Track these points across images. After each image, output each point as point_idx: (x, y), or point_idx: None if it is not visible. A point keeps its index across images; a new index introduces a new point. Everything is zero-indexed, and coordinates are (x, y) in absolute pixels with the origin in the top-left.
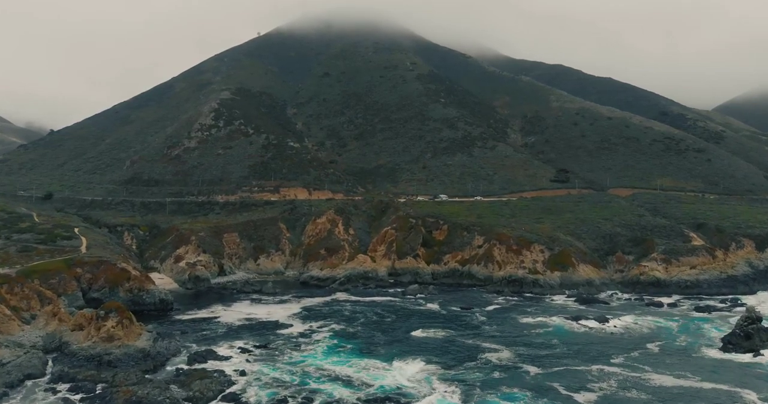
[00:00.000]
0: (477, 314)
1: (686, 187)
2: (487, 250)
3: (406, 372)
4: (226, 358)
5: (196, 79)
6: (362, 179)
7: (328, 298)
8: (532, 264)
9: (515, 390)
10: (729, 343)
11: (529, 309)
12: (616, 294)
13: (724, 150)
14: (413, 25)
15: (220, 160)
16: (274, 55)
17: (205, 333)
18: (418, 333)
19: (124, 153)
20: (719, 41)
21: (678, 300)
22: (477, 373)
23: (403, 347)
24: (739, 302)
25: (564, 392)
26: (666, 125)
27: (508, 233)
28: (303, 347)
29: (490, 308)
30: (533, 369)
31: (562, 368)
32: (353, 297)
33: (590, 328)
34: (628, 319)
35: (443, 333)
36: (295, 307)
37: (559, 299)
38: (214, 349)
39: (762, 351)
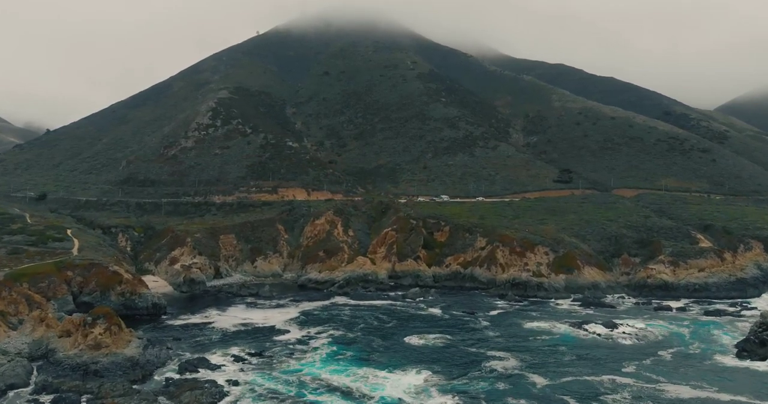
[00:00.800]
0: (480, 319)
1: (691, 188)
2: (489, 252)
3: (408, 382)
4: (219, 367)
5: (194, 78)
6: (362, 179)
7: (326, 302)
8: (536, 267)
9: (522, 402)
10: (743, 350)
11: (533, 314)
12: (623, 297)
13: (728, 150)
14: (413, 25)
15: (218, 160)
16: (273, 54)
17: (198, 339)
18: (419, 339)
19: (121, 153)
20: (721, 41)
21: (687, 304)
22: (481, 383)
23: (404, 354)
24: (748, 305)
25: None
26: (670, 125)
27: (512, 235)
28: (300, 355)
29: (494, 312)
30: (540, 380)
31: (571, 378)
32: (352, 301)
33: (598, 334)
34: (637, 325)
35: (445, 340)
36: (292, 312)
37: (565, 303)
38: (207, 357)
39: None
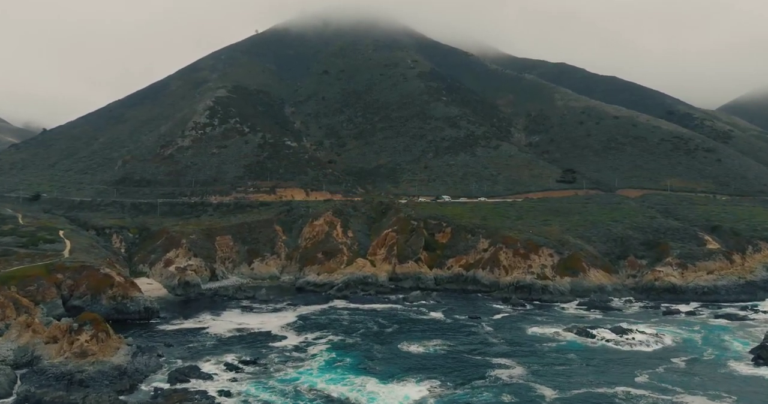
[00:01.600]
0: (484, 324)
1: (696, 188)
2: (492, 254)
3: (408, 392)
4: (211, 376)
5: (192, 77)
6: (362, 179)
7: (325, 306)
8: (540, 269)
9: None
10: (759, 357)
11: (539, 318)
12: (630, 300)
13: (733, 150)
14: (414, 23)
15: (215, 160)
16: (272, 53)
17: (190, 345)
18: (420, 346)
19: (117, 152)
20: (723, 40)
21: (696, 307)
22: (485, 393)
23: (405, 362)
24: (758, 309)
25: None
26: (674, 124)
27: (515, 236)
28: (297, 362)
29: (497, 316)
30: (549, 392)
31: (582, 390)
32: (352, 305)
33: (607, 341)
34: (647, 330)
35: (448, 346)
36: (289, 316)
37: (570, 306)
38: (199, 365)
39: None
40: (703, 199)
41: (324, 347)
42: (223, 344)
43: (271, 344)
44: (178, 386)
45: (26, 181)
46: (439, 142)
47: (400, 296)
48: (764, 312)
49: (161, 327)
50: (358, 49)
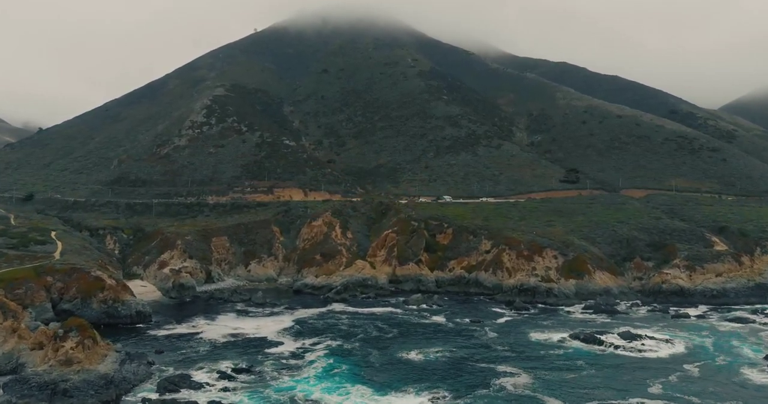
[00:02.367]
0: (487, 329)
1: (701, 188)
2: (495, 256)
3: (409, 402)
4: (203, 386)
5: (189, 76)
6: (361, 179)
7: (323, 309)
8: (544, 272)
9: None
10: None
11: (544, 323)
12: (637, 304)
13: (737, 149)
14: (414, 22)
15: (211, 159)
16: (271, 51)
17: (183, 352)
18: (421, 352)
19: (113, 152)
20: (725, 40)
21: (705, 311)
22: None
23: (405, 370)
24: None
25: None
26: (677, 124)
27: (518, 237)
28: (293, 370)
29: (501, 321)
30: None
31: (593, 403)
32: (351, 308)
33: (616, 347)
34: (656, 335)
35: (449, 353)
36: (286, 320)
37: (576, 310)
38: (191, 373)
39: None
40: (709, 199)
41: (322, 353)
42: (216, 350)
43: (266, 350)
44: (168, 396)
45: (20, 180)
46: (439, 141)
47: (401, 299)
48: None
49: (153, 333)
50: (358, 48)
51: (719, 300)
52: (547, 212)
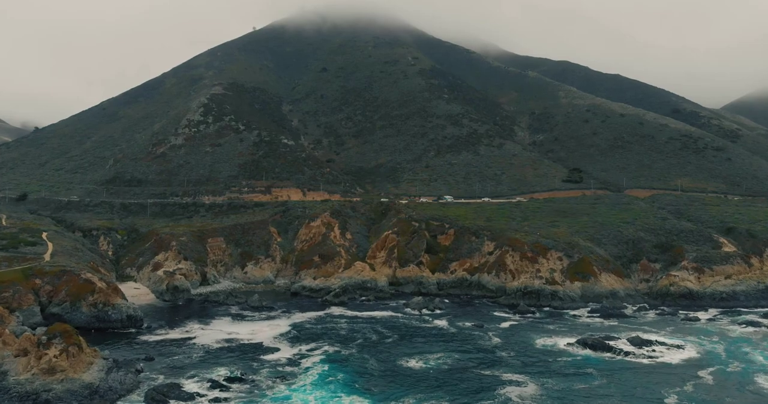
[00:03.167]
0: (491, 334)
1: (707, 188)
2: (498, 258)
3: None
4: (193, 396)
5: (187, 75)
6: (361, 179)
7: (321, 313)
8: (549, 274)
9: None
10: None
11: (550, 327)
12: (645, 307)
13: (742, 149)
14: (414, 20)
15: (208, 159)
16: (270, 50)
17: (174, 358)
18: (422, 360)
19: (109, 151)
20: (726, 39)
21: (715, 315)
22: None
23: (404, 380)
24: None
25: None
26: (681, 123)
27: (522, 238)
28: (289, 379)
29: (505, 325)
30: None
31: None
32: (350, 312)
33: (626, 353)
34: (666, 341)
35: (452, 360)
36: (283, 325)
37: (582, 314)
38: (181, 382)
39: None
40: (715, 199)
41: (318, 359)
42: (210, 357)
43: (261, 357)
44: None
45: (15, 180)
46: (440, 140)
47: (401, 302)
48: None
49: (144, 338)
50: (358, 46)
51: (729, 304)
52: (551, 212)
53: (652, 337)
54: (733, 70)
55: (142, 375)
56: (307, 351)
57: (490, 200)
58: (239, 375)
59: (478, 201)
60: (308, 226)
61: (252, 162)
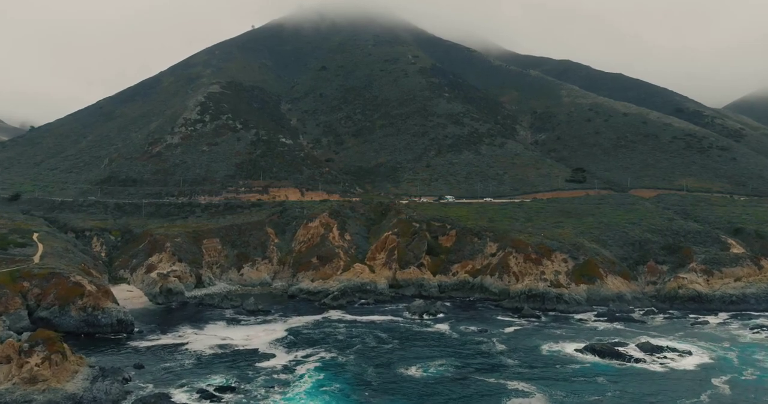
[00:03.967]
0: (494, 339)
1: (712, 188)
2: (501, 259)
3: None
4: None
5: (184, 73)
6: (360, 179)
7: (318, 317)
8: (554, 276)
9: None
10: None
11: (556, 332)
12: (653, 311)
13: (746, 148)
14: (414, 18)
15: (205, 158)
16: (269, 48)
17: (165, 366)
18: (423, 367)
19: (105, 150)
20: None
21: (726, 319)
22: None
23: (404, 390)
24: None
25: None
26: (685, 122)
27: (526, 239)
28: (284, 387)
29: (510, 330)
30: None
31: None
32: (348, 316)
33: (637, 360)
34: (677, 346)
35: (454, 368)
36: (279, 330)
37: (588, 318)
38: (171, 393)
39: None
40: (721, 199)
41: (314, 366)
42: (202, 364)
43: (256, 364)
44: None
45: (9, 180)
46: (441, 139)
47: (401, 305)
48: None
49: (134, 344)
50: (357, 45)
51: (739, 307)
52: (555, 213)
53: (662, 343)
54: (734, 69)
55: (130, 384)
56: (303, 357)
57: (492, 200)
58: (231, 385)
59: (480, 201)
60: (306, 227)
61: (249, 161)
